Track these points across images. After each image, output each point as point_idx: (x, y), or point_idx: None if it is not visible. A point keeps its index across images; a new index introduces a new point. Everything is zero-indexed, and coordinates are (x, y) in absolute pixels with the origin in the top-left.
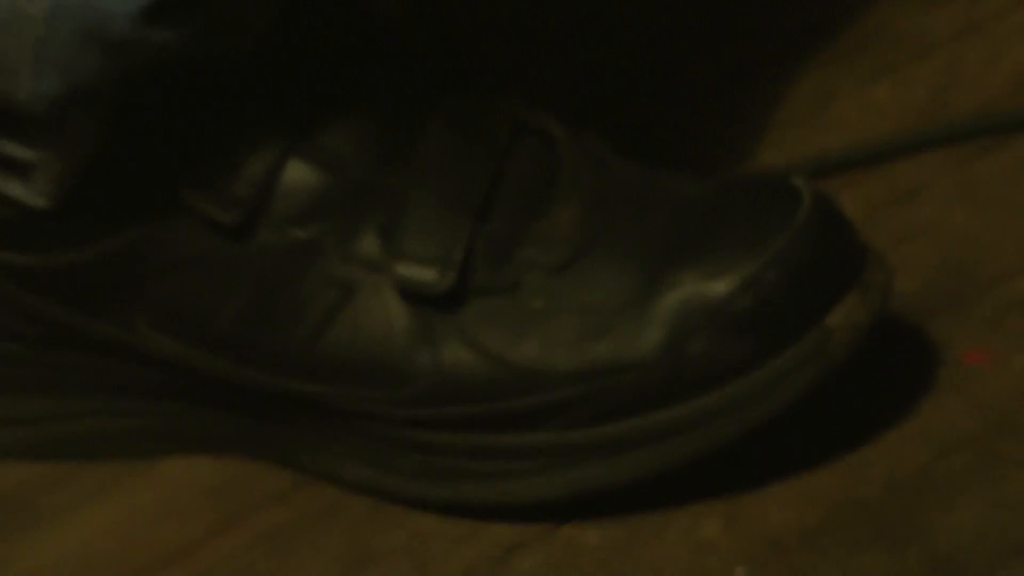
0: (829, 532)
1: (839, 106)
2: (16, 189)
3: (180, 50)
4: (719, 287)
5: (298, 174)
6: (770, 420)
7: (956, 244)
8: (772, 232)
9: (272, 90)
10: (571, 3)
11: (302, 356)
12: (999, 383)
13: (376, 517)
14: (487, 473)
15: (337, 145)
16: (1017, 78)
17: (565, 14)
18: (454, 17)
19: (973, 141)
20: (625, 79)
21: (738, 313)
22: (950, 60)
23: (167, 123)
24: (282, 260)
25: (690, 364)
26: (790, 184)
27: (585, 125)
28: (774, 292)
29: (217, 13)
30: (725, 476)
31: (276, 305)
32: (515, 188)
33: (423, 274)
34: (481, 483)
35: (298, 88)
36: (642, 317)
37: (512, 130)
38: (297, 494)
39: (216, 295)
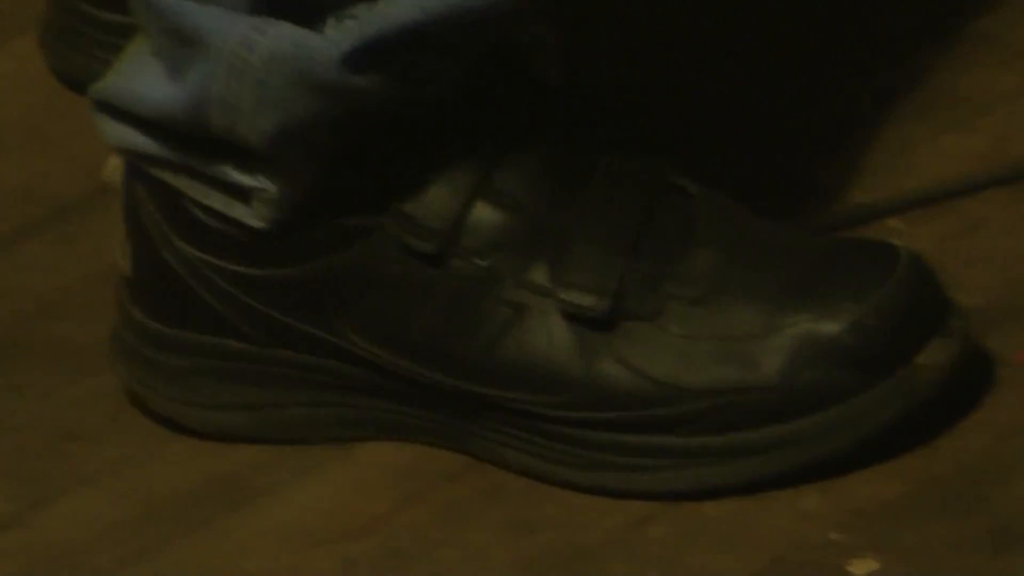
0: (907, 504)
1: (915, 153)
2: (239, 211)
3: (379, 96)
4: (830, 327)
5: (483, 214)
6: (864, 441)
7: (1013, 266)
8: (874, 284)
9: (462, 141)
10: (678, 79)
11: (479, 364)
12: None
13: (532, 494)
14: (626, 466)
15: (516, 191)
16: None
17: (678, 89)
18: (608, 84)
19: None
20: (737, 136)
21: (844, 349)
22: (1007, 114)
23: (372, 162)
24: (466, 283)
25: (802, 389)
26: (889, 245)
27: (717, 183)
28: (874, 334)
29: (410, 65)
30: (821, 458)
31: (459, 320)
32: (660, 234)
33: (584, 300)
34: (620, 473)
35: (483, 140)
36: (764, 347)
37: (659, 187)
38: (467, 474)
39: (410, 309)
